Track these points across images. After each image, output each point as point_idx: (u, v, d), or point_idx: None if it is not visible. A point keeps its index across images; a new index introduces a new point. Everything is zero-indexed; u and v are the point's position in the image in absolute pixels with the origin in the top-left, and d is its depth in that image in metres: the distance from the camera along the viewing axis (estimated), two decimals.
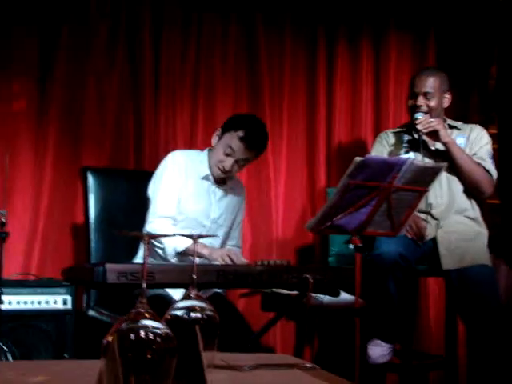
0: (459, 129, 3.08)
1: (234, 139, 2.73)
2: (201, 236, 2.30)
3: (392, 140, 3.10)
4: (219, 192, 2.84)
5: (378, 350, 2.84)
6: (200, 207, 2.79)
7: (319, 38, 3.71)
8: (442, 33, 3.87)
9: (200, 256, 2.57)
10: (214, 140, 2.82)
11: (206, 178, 2.81)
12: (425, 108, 2.97)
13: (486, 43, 3.83)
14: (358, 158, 2.28)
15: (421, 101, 2.97)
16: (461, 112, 3.25)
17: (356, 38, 3.76)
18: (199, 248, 2.56)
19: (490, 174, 2.99)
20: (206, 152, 2.87)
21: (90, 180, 3.03)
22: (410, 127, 3.04)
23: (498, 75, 3.81)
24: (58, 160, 3.30)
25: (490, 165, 3.01)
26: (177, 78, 3.50)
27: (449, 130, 3.04)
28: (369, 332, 2.85)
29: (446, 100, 3.04)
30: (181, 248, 2.60)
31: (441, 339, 3.39)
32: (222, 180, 2.85)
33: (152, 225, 2.68)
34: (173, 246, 2.62)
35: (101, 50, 3.38)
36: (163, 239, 2.63)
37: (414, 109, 2.98)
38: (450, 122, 3.09)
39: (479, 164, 2.98)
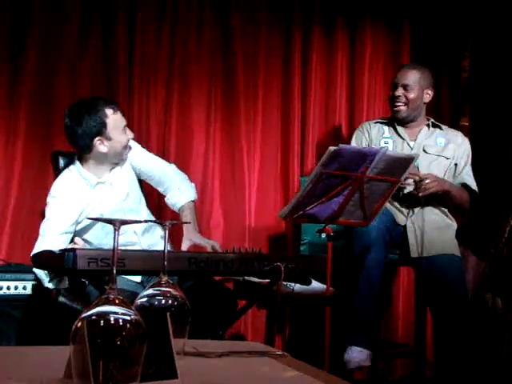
0: (441, 129, 3.15)
1: (112, 117, 2.59)
2: (173, 223, 2.29)
3: (373, 131, 3.14)
4: (115, 178, 2.72)
5: (356, 355, 2.73)
6: (109, 204, 2.69)
7: (294, 28, 3.70)
8: (416, 24, 3.89)
9: None
10: (101, 148, 2.61)
11: (99, 183, 2.69)
12: (403, 99, 3.03)
13: (459, 36, 3.87)
14: (331, 148, 2.30)
15: (399, 91, 3.03)
16: (432, 104, 3.28)
17: (331, 28, 3.77)
18: None
19: (471, 190, 3.05)
20: (76, 165, 2.70)
21: (62, 165, 2.99)
22: (391, 119, 3.11)
23: (470, 68, 3.85)
24: (28, 144, 3.27)
25: (474, 182, 3.08)
26: (151, 64, 3.47)
27: (431, 129, 3.11)
28: (345, 338, 2.79)
29: (427, 96, 3.09)
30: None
31: (410, 328, 3.43)
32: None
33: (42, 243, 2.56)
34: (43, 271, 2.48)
35: (74, 35, 3.35)
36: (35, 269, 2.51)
37: (394, 99, 3.05)
38: (433, 120, 3.15)
39: (465, 186, 3.04)
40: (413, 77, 3.05)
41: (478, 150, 3.29)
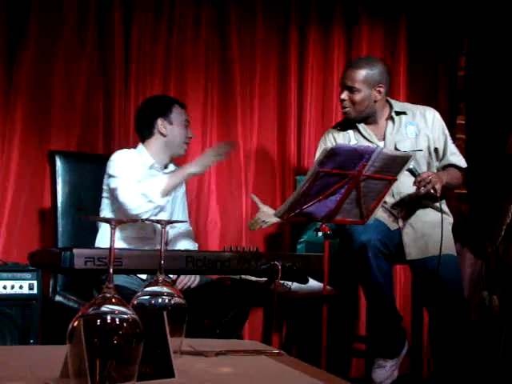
0: (406, 113, 2.96)
1: (177, 108, 2.90)
2: (170, 222, 2.30)
3: (338, 141, 2.98)
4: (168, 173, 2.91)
5: (382, 372, 2.77)
6: None
7: (291, 25, 3.69)
8: (412, 23, 3.89)
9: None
10: (162, 129, 2.87)
11: (151, 167, 2.86)
12: (347, 102, 2.89)
13: (455, 34, 3.87)
14: (328, 146, 2.29)
15: (344, 95, 2.89)
16: (429, 102, 3.28)
17: (328, 26, 3.76)
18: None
19: (460, 167, 2.95)
20: (140, 146, 2.90)
21: (58, 164, 3.00)
22: (346, 121, 3.00)
23: (467, 66, 3.86)
24: (25, 143, 3.26)
25: (459, 157, 2.96)
26: (147, 62, 3.46)
27: (396, 117, 2.94)
28: (371, 351, 2.79)
29: (377, 94, 2.89)
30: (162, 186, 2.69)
31: (407, 327, 3.43)
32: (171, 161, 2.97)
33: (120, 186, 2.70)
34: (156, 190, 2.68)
35: (70, 33, 3.34)
36: (143, 190, 2.65)
37: (340, 102, 2.93)
38: (396, 108, 2.97)
39: (453, 166, 2.93)
40: (358, 77, 2.84)
41: (473, 148, 3.30)
